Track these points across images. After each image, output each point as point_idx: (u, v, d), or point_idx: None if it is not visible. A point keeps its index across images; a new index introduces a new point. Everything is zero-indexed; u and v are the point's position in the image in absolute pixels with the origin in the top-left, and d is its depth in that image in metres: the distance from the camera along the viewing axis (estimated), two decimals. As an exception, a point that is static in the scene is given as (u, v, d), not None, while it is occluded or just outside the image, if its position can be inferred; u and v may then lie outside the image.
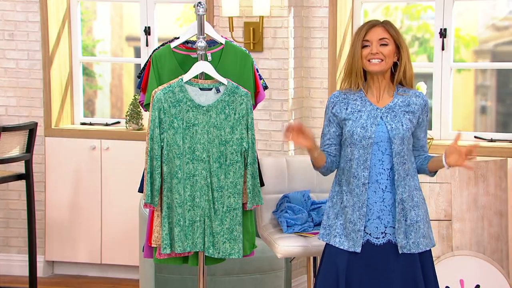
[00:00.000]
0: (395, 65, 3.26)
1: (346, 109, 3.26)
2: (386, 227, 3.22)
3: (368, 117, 3.22)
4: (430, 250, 3.29)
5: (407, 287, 3.22)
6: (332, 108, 3.29)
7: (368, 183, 3.21)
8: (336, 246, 3.24)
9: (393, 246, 3.23)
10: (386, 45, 3.21)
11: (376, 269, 3.23)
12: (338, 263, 3.24)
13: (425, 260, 3.27)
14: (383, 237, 3.23)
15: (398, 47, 3.24)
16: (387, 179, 3.20)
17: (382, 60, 3.20)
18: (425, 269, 3.27)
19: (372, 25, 3.24)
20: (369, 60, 3.20)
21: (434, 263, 4.17)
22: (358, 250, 3.22)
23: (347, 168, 3.25)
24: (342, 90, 3.30)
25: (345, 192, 3.25)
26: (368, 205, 3.22)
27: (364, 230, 3.22)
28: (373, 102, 3.25)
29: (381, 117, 3.22)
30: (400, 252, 3.21)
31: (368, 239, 3.23)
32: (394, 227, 3.22)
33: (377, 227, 3.22)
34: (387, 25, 3.24)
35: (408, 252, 3.22)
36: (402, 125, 3.21)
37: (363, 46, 3.22)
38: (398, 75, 3.24)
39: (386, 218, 3.22)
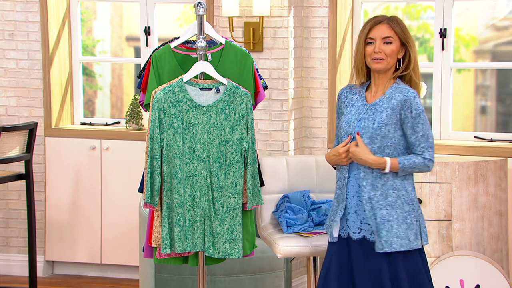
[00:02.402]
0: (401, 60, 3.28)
1: (344, 102, 3.33)
2: (362, 223, 3.27)
3: (355, 113, 3.28)
4: (412, 252, 3.25)
5: (375, 286, 3.23)
6: (338, 100, 3.37)
7: (348, 177, 3.26)
8: (329, 235, 3.35)
9: (368, 243, 3.26)
10: (389, 43, 3.21)
11: (352, 264, 3.28)
12: (329, 254, 3.35)
13: (399, 261, 3.23)
14: (359, 233, 3.27)
15: (405, 44, 3.24)
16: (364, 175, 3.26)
17: (383, 59, 3.21)
18: (398, 270, 3.23)
19: (377, 21, 3.23)
20: (372, 59, 3.22)
21: (434, 263, 4.18)
22: (334, 239, 3.31)
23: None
24: (352, 84, 3.37)
25: (338, 185, 3.36)
26: (348, 198, 3.28)
27: (347, 224, 3.28)
28: (367, 97, 3.30)
29: (364, 113, 3.26)
30: (376, 250, 3.23)
31: (348, 233, 3.29)
32: (369, 224, 3.26)
33: (354, 222, 3.27)
34: (392, 22, 3.23)
35: (381, 251, 3.22)
36: (373, 123, 3.22)
37: (367, 43, 3.23)
38: (405, 72, 3.25)
39: (362, 214, 3.27)
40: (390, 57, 3.21)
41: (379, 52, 3.20)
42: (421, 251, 3.31)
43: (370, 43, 3.22)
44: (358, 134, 3.22)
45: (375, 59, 3.21)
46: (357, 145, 3.23)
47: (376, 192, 3.23)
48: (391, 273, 3.22)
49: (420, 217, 3.29)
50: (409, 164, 3.21)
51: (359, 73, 3.29)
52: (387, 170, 3.20)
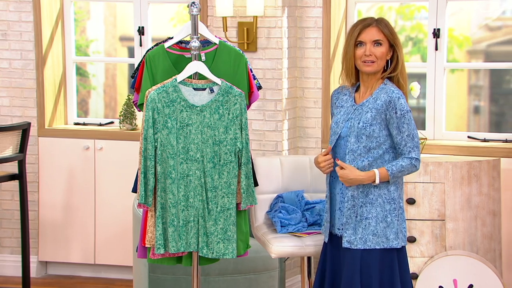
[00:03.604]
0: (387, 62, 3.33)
1: (335, 103, 3.40)
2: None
3: (343, 114, 3.34)
4: (390, 250, 3.28)
5: (347, 282, 3.26)
6: (331, 101, 3.44)
7: (334, 176, 3.34)
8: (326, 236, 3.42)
9: None
10: (379, 45, 3.24)
11: (336, 260, 3.35)
12: (322, 253, 3.44)
13: (373, 258, 3.26)
14: (341, 229, 3.32)
15: (393, 45, 3.27)
16: None
17: (374, 62, 3.24)
18: (371, 267, 3.26)
19: (366, 25, 3.26)
20: (363, 62, 3.24)
21: (428, 263, 4.19)
22: (326, 239, 3.38)
23: None
24: (344, 85, 3.42)
25: (326, 184, 3.42)
26: (333, 196, 3.34)
27: (331, 222, 3.35)
28: (356, 98, 3.35)
29: (351, 113, 3.31)
30: (343, 246, 3.28)
31: (332, 230, 3.37)
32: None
33: (339, 219, 3.33)
34: (381, 25, 3.27)
35: (355, 247, 3.26)
36: (358, 123, 3.27)
37: (356, 45, 3.26)
38: (393, 73, 3.29)
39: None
40: (380, 59, 3.26)
41: (370, 55, 3.23)
42: (400, 251, 3.32)
43: (360, 46, 3.25)
44: (337, 160, 3.28)
45: (365, 62, 3.24)
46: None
47: (359, 190, 3.27)
48: (362, 269, 3.25)
49: (400, 217, 3.31)
50: (397, 169, 3.25)
51: (349, 75, 3.33)
52: (377, 181, 3.23)
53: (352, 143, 3.26)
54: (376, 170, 3.23)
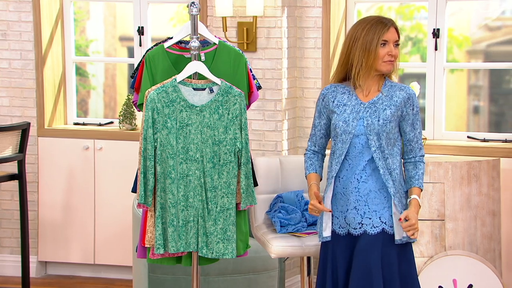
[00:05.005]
0: None
1: (333, 101, 3.36)
2: (362, 218, 3.29)
3: (351, 112, 3.31)
4: (407, 245, 3.32)
5: (363, 276, 3.26)
6: (323, 99, 3.38)
7: (338, 176, 3.31)
8: (322, 236, 3.36)
9: (368, 237, 3.28)
10: (397, 45, 3.32)
11: (350, 259, 3.32)
12: (326, 255, 3.37)
13: (394, 253, 3.28)
14: (360, 228, 3.30)
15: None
16: (362, 170, 3.28)
17: (393, 61, 3.30)
18: (392, 261, 3.28)
19: (389, 25, 3.31)
20: (385, 61, 3.26)
21: (427, 263, 4.19)
22: (328, 238, 3.33)
23: (330, 160, 3.37)
24: (335, 83, 3.39)
25: (328, 183, 3.38)
26: (346, 194, 3.30)
27: (345, 221, 3.31)
28: (359, 96, 3.34)
29: (363, 111, 3.29)
30: (395, 241, 3.27)
31: (348, 229, 3.32)
32: (370, 218, 3.28)
33: (354, 218, 3.30)
34: (397, 27, 3.34)
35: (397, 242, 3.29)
36: (378, 120, 3.27)
37: (381, 45, 3.27)
38: (394, 72, 3.34)
39: (362, 208, 3.29)
40: (396, 59, 3.30)
41: (394, 54, 3.29)
42: (411, 246, 3.36)
43: (383, 45, 3.27)
44: (400, 219, 3.24)
45: (388, 62, 3.28)
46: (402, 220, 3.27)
47: (397, 188, 3.29)
48: (383, 263, 3.27)
49: None
50: (422, 178, 3.32)
51: (368, 73, 3.30)
52: (421, 202, 3.31)
53: (375, 141, 3.26)
54: (413, 197, 3.27)
